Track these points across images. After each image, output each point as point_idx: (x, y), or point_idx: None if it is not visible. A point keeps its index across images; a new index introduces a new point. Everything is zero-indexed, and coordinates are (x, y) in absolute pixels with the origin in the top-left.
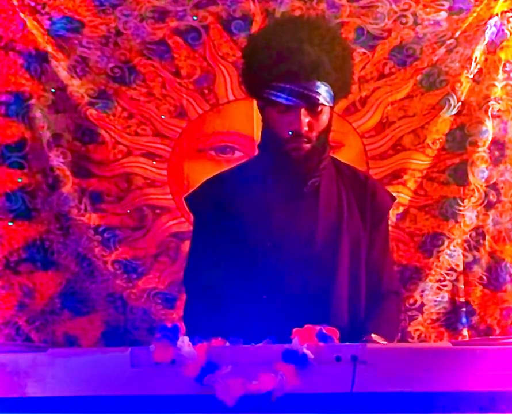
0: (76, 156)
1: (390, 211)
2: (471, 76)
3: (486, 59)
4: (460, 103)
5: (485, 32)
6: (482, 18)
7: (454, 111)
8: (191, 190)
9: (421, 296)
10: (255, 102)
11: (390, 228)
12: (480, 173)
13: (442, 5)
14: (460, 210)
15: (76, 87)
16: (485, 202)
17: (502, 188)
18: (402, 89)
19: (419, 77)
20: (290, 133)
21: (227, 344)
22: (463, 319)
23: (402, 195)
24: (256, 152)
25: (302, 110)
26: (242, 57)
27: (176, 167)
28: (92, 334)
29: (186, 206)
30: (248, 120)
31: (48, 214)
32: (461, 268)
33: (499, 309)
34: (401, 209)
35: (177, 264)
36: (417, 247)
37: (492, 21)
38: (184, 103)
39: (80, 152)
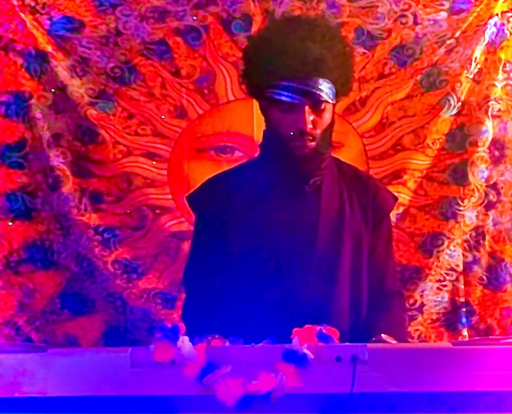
0: (76, 156)
1: None
2: (471, 76)
3: (486, 59)
4: (460, 103)
5: (485, 32)
6: (482, 18)
7: (454, 111)
8: (192, 189)
9: (421, 296)
10: (255, 102)
11: None
12: (480, 173)
13: (442, 5)
14: (460, 210)
15: (76, 87)
16: (485, 202)
17: (502, 188)
18: (402, 89)
19: (419, 77)
20: (292, 133)
21: (227, 344)
22: (463, 319)
23: (403, 195)
24: (258, 152)
25: (306, 107)
26: (243, 58)
27: (176, 167)
28: (92, 334)
29: (187, 205)
30: (248, 120)
31: (48, 214)
32: (461, 268)
33: (499, 309)
34: (401, 209)
35: (177, 264)
36: (417, 247)
37: (492, 21)
38: (184, 103)
39: (80, 152)
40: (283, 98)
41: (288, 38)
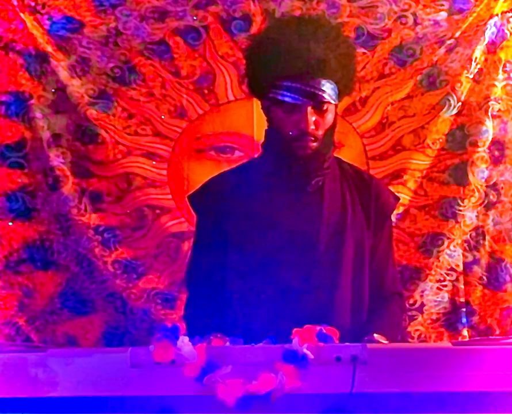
0: (76, 156)
1: None
2: (471, 76)
3: (486, 59)
4: (460, 103)
5: (485, 32)
6: (482, 18)
7: (454, 111)
8: (194, 189)
9: (421, 296)
10: (255, 101)
11: None
12: (480, 173)
13: (442, 5)
14: (460, 210)
15: (76, 87)
16: (485, 202)
17: (502, 188)
18: (402, 89)
19: (419, 77)
20: (291, 133)
21: (227, 344)
22: (463, 319)
23: (403, 195)
24: (259, 152)
25: (309, 108)
26: (245, 57)
27: (176, 167)
28: (92, 334)
29: (189, 205)
30: (248, 120)
31: (48, 214)
32: (461, 268)
33: (499, 309)
34: (401, 209)
35: (177, 264)
36: (417, 247)
37: (492, 21)
38: (184, 103)
39: (80, 152)
40: (286, 99)
41: (291, 39)
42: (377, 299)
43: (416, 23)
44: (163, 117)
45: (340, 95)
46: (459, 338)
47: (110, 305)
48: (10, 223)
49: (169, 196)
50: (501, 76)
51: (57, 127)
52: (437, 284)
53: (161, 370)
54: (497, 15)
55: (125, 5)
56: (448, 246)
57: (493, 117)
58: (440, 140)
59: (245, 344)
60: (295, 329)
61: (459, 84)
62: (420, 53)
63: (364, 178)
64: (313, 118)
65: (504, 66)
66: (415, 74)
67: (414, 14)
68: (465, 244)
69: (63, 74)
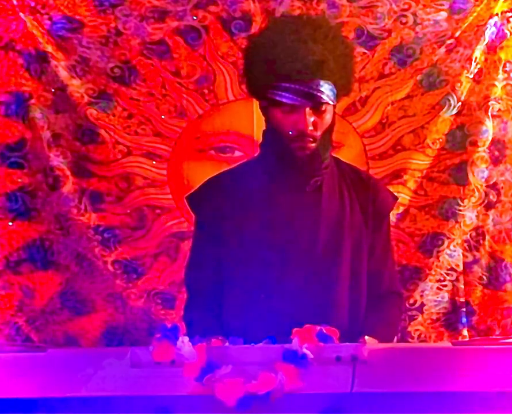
0: (76, 156)
1: None
2: (471, 76)
3: (486, 59)
4: (460, 103)
5: (485, 32)
6: (482, 18)
7: (454, 111)
8: (192, 189)
9: (421, 296)
10: (255, 101)
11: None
12: (480, 173)
13: (442, 5)
14: (460, 210)
15: (76, 87)
16: (485, 202)
17: (502, 188)
18: (402, 89)
19: (419, 77)
20: (290, 132)
21: (227, 344)
22: (463, 319)
23: (403, 195)
24: (258, 152)
25: (307, 109)
26: (244, 57)
27: (176, 167)
28: (92, 334)
29: (187, 206)
30: (248, 120)
31: (48, 214)
32: (461, 268)
33: (499, 309)
34: (401, 209)
35: (177, 264)
36: (417, 247)
37: (492, 21)
38: (184, 103)
39: (80, 152)
40: (284, 99)
41: (289, 39)
42: (375, 298)
43: (416, 23)
44: (163, 116)
45: (338, 96)
46: (459, 338)
47: (110, 305)
48: (10, 223)
49: (170, 196)
50: (501, 76)
51: (57, 127)
52: (437, 284)
53: (161, 370)
54: (497, 15)
55: (125, 5)
56: (448, 246)
57: (493, 116)
58: (440, 140)
59: (245, 344)
60: (295, 329)
61: (459, 84)
62: (420, 53)
63: (362, 178)
64: (312, 119)
65: (504, 66)
66: (415, 74)
67: (414, 14)
68: (465, 244)
69: (63, 74)
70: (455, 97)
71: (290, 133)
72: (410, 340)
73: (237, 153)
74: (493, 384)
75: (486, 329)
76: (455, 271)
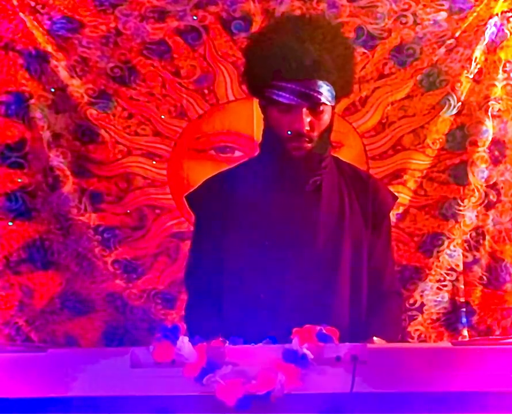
0: (76, 156)
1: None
2: (471, 76)
3: (486, 59)
4: (460, 103)
5: (485, 32)
6: (482, 18)
7: (454, 111)
8: (192, 189)
9: (421, 296)
10: (255, 101)
11: None
12: (480, 173)
13: (442, 5)
14: (460, 210)
15: (76, 87)
16: (485, 202)
17: (502, 188)
18: (402, 89)
19: (419, 77)
20: (289, 132)
21: (227, 344)
22: (463, 319)
23: (402, 195)
24: (257, 151)
25: (304, 109)
26: (243, 56)
27: (176, 167)
28: (92, 334)
29: (186, 205)
30: (248, 120)
31: (48, 214)
32: (461, 268)
33: (499, 309)
34: (401, 209)
35: (177, 264)
36: (417, 247)
37: (492, 21)
38: (184, 103)
39: (80, 152)
40: (281, 99)
41: (288, 39)
42: (376, 299)
43: (416, 23)
44: (163, 116)
45: (337, 97)
46: (459, 338)
47: (110, 304)
48: (10, 223)
49: (169, 196)
50: (501, 76)
51: (57, 127)
52: (437, 284)
53: (161, 370)
54: (497, 15)
55: (125, 5)
56: (448, 246)
57: (493, 116)
58: (440, 140)
59: (245, 344)
60: (295, 329)
61: (459, 84)
62: (420, 53)
63: (362, 177)
64: (308, 119)
65: (504, 66)
66: (415, 74)
67: (414, 14)
68: (465, 244)
69: (63, 74)
70: (455, 97)
71: (288, 132)
72: (410, 340)
73: (237, 153)
74: (493, 384)
75: (486, 329)
76: (455, 271)
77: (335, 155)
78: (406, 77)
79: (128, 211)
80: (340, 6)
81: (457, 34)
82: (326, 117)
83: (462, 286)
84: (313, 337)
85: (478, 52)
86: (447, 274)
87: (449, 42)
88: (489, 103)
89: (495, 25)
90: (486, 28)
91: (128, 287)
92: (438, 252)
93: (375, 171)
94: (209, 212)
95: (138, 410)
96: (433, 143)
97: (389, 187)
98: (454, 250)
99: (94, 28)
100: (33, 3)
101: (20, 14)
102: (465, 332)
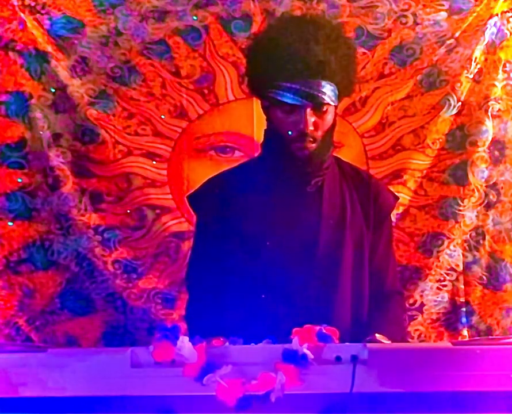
0: (76, 156)
1: None
2: (471, 76)
3: (486, 59)
4: (460, 103)
5: (485, 32)
6: (482, 18)
7: (454, 111)
8: (193, 189)
9: (421, 296)
10: (255, 101)
11: None
12: (480, 173)
13: (442, 5)
14: (460, 210)
15: (76, 87)
16: (485, 202)
17: (502, 188)
18: (402, 89)
19: (419, 77)
20: (290, 133)
21: (227, 344)
22: (463, 319)
23: (402, 195)
24: (259, 151)
25: (308, 109)
26: (246, 56)
27: (176, 167)
28: (92, 334)
29: (188, 205)
30: (248, 120)
31: (48, 214)
32: (461, 268)
33: (499, 309)
34: (401, 209)
35: (177, 264)
36: (417, 247)
37: (492, 21)
38: (184, 103)
39: (80, 152)
40: (285, 99)
41: (292, 39)
42: (378, 299)
43: (416, 23)
44: (163, 116)
45: (340, 97)
46: (459, 338)
47: (110, 305)
48: (10, 223)
49: (170, 196)
50: (501, 76)
51: (57, 127)
52: (437, 284)
53: (161, 370)
54: (497, 15)
55: (125, 5)
56: (448, 246)
57: (493, 116)
58: (440, 140)
59: (245, 344)
60: (295, 329)
61: (459, 84)
62: (420, 53)
63: (363, 177)
64: (312, 119)
65: (504, 66)
66: (415, 74)
67: (414, 14)
68: (465, 244)
69: (63, 74)
70: (455, 97)
71: (290, 133)
72: (410, 340)
73: (237, 153)
74: (493, 384)
75: (486, 329)
76: (455, 271)
77: (337, 155)
78: (406, 77)
79: (128, 211)
80: (340, 6)
81: (457, 34)
82: (329, 117)
83: (462, 286)
84: (313, 337)
85: (478, 52)
86: (447, 274)
87: (448, 42)
88: (489, 103)
89: (495, 25)
90: (486, 28)
91: (128, 287)
92: (438, 252)
93: (375, 171)
94: (211, 212)
95: (138, 410)
96: (433, 143)
97: (389, 187)
98: (454, 250)
99: (94, 28)
100: (33, 3)
101: (21, 14)
102: (465, 332)
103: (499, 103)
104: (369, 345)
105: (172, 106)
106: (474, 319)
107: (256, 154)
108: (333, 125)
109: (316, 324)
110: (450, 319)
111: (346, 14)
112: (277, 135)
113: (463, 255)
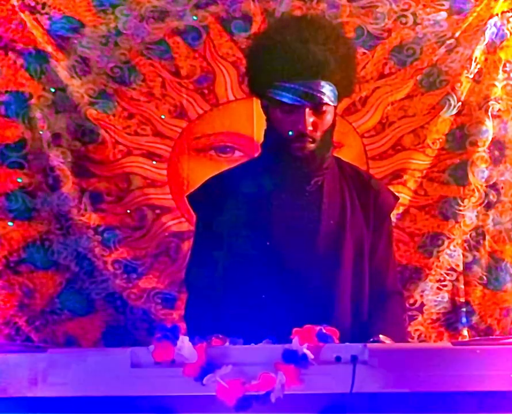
0: (76, 156)
1: None
2: (471, 76)
3: (486, 59)
4: (460, 103)
5: (485, 32)
6: (482, 18)
7: (454, 111)
8: (193, 189)
9: (421, 296)
10: (255, 101)
11: None
12: (480, 173)
13: (442, 5)
14: (460, 210)
15: (76, 87)
16: (485, 202)
17: (502, 188)
18: (402, 89)
19: (419, 77)
20: (291, 133)
21: (227, 344)
22: (463, 319)
23: (403, 195)
24: (259, 151)
25: (307, 109)
26: (246, 56)
27: (176, 167)
28: (92, 334)
29: (188, 205)
30: (248, 120)
31: (48, 214)
32: (461, 268)
33: (499, 309)
34: (401, 209)
35: (177, 264)
36: (417, 247)
37: (492, 21)
38: (184, 103)
39: (80, 152)
40: (284, 99)
41: (291, 39)
42: (378, 299)
43: (416, 23)
44: (163, 116)
45: (339, 97)
46: (459, 338)
47: (110, 305)
48: (10, 223)
49: (170, 196)
50: (501, 76)
51: (57, 127)
52: (437, 284)
53: (161, 370)
54: (497, 15)
55: (125, 5)
56: (448, 246)
57: (493, 116)
58: (440, 140)
59: (245, 344)
60: (295, 329)
61: (459, 84)
62: (420, 53)
63: (363, 177)
64: (311, 119)
65: (504, 66)
66: (415, 74)
67: (414, 14)
68: (465, 244)
69: (63, 74)
70: (455, 97)
71: (290, 133)
72: (410, 340)
73: (237, 153)
74: (493, 384)
75: (486, 329)
76: (455, 271)
77: (337, 155)
78: (406, 77)
79: (128, 211)
80: (340, 6)
81: (457, 34)
82: (329, 117)
83: (462, 286)
84: (313, 337)
85: (478, 52)
86: (447, 274)
87: (448, 42)
88: (489, 103)
89: (495, 25)
90: (486, 28)
91: (128, 287)
92: (438, 252)
93: (375, 171)
94: (210, 212)
95: (138, 410)
96: (433, 143)
97: (389, 187)
98: (454, 250)
99: (93, 28)
100: (33, 3)
101: (21, 14)
102: (465, 332)
103: (499, 103)
104: (369, 345)
105: (172, 106)
106: (474, 319)
107: (256, 154)
108: (333, 125)
109: (316, 324)
110: (450, 319)
111: (346, 14)
112: (277, 135)
113: (463, 255)
